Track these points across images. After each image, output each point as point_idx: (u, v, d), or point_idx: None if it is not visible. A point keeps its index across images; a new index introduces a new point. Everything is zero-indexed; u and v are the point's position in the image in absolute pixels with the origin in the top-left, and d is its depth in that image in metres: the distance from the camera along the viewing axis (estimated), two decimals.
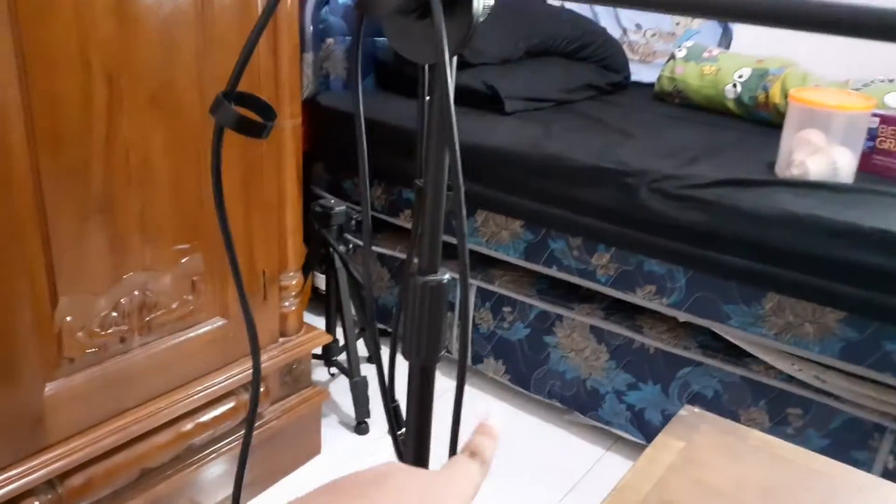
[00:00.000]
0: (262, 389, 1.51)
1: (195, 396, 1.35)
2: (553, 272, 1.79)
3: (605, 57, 2.42)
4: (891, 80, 1.89)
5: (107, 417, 1.23)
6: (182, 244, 1.27)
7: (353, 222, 1.81)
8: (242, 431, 1.50)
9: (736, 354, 1.59)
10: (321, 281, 1.87)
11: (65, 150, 1.06)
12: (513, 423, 1.90)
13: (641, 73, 2.63)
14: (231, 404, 1.43)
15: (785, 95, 1.95)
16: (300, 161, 1.48)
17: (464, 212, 0.44)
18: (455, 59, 0.48)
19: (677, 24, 2.67)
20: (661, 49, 2.67)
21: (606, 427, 1.82)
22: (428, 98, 0.51)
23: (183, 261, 1.28)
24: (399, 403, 0.60)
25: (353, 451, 1.76)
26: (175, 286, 1.28)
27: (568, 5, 2.61)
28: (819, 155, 1.53)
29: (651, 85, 2.42)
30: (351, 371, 1.78)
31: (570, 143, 1.75)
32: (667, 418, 1.69)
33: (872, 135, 1.63)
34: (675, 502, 0.68)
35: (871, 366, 1.41)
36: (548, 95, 2.14)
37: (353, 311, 1.84)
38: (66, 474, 1.18)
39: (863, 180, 1.56)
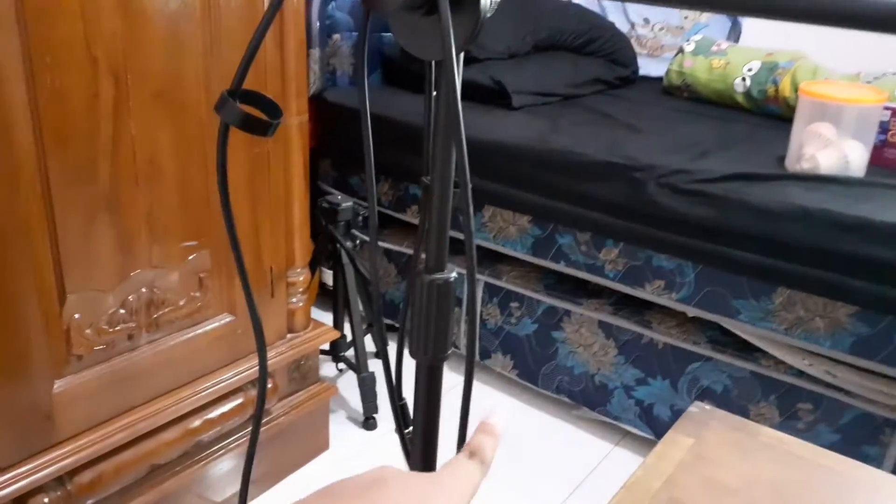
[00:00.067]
0: (269, 386, 1.51)
1: (203, 393, 1.35)
2: (561, 267, 1.79)
3: (613, 51, 2.41)
4: None
5: (115, 414, 1.24)
6: (189, 241, 1.27)
7: (360, 218, 1.81)
8: (250, 428, 1.50)
9: (746, 349, 1.59)
10: (328, 277, 1.87)
11: (72, 148, 1.06)
12: (521, 419, 1.90)
13: (650, 67, 2.61)
14: (239, 401, 1.43)
15: (795, 89, 1.93)
16: (307, 157, 1.48)
17: (471, 209, 0.44)
18: (462, 54, 0.47)
19: (686, 17, 2.66)
20: (669, 43, 2.65)
21: (615, 422, 1.82)
22: (435, 94, 0.50)
23: (190, 258, 1.28)
24: (406, 402, 0.59)
25: (361, 447, 1.76)
26: (183, 283, 1.28)
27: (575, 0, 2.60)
28: (830, 149, 1.52)
29: (659, 79, 2.41)
30: (359, 367, 1.78)
31: (578, 138, 1.75)
32: (676, 414, 1.68)
33: (884, 128, 1.61)
34: (685, 499, 0.67)
35: (882, 360, 1.40)
36: (555, 90, 2.13)
37: (361, 307, 1.84)
38: (75, 471, 1.19)
39: (874, 174, 1.55)
